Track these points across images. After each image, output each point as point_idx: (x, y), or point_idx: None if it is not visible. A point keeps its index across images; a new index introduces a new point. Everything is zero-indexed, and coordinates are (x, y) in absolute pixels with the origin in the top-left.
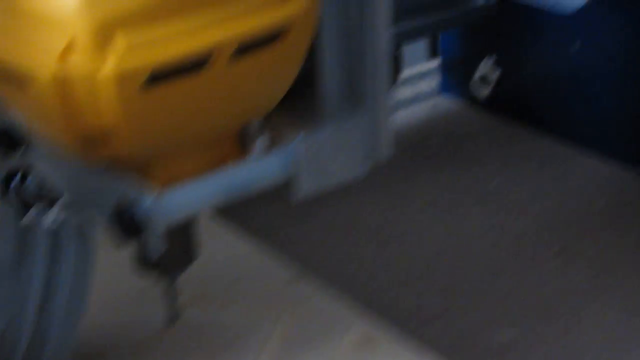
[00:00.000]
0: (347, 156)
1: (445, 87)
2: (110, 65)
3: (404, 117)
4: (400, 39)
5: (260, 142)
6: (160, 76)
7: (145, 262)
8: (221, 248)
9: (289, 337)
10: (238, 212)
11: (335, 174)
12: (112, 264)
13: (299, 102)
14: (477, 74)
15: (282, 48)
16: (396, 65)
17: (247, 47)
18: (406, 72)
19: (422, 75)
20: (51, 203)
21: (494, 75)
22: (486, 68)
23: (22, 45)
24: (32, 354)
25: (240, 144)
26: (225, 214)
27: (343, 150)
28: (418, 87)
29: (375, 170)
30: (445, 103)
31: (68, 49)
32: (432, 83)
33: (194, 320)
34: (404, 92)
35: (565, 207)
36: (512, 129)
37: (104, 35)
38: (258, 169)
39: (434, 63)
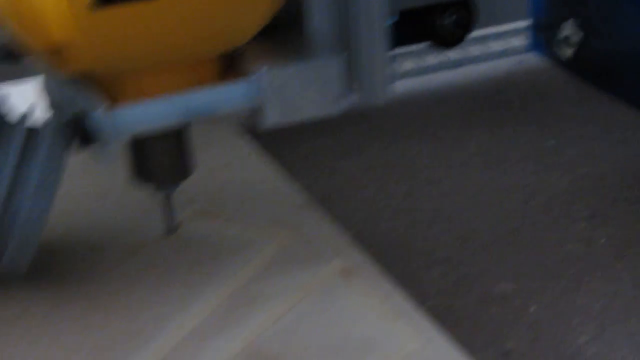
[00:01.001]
0: (317, 92)
1: (534, 45)
2: None
3: (488, 69)
4: None
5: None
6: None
7: (136, 173)
8: (244, 169)
9: (277, 256)
10: (275, 138)
11: (303, 108)
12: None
13: (289, 37)
14: (560, 35)
15: None
16: (467, 11)
17: None
18: (498, 28)
19: (513, 32)
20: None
21: (577, 37)
22: (569, 30)
23: None
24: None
25: (222, 70)
26: (262, 139)
27: (313, 86)
28: (508, 43)
29: (437, 115)
30: (532, 61)
31: None
32: (521, 41)
33: (195, 231)
34: (493, 46)
35: (614, 173)
36: (589, 92)
37: None
38: (220, 94)
39: (526, 22)
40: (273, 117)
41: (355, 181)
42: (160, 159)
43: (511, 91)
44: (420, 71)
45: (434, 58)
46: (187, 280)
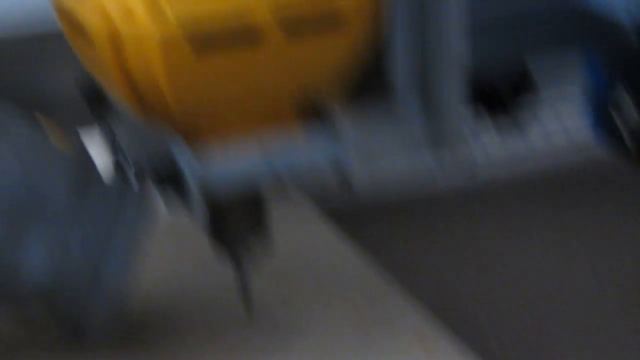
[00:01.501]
0: (401, 148)
1: (598, 138)
2: (157, 30)
3: (554, 161)
4: (524, 50)
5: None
6: (204, 45)
7: (212, 234)
8: (322, 247)
9: (357, 329)
10: (352, 218)
11: (387, 164)
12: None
13: (372, 95)
14: (625, 125)
15: (336, 33)
16: (524, 82)
17: (296, 27)
18: (563, 123)
19: (578, 128)
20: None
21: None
22: (633, 120)
23: (91, 6)
24: (81, 300)
25: (299, 115)
26: (338, 219)
27: (397, 142)
28: (573, 137)
29: (508, 204)
30: (596, 153)
31: (125, 13)
32: (586, 134)
33: (276, 312)
34: (559, 141)
35: None
36: None
37: (154, 3)
38: (305, 150)
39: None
40: (357, 172)
41: (431, 262)
42: (239, 225)
43: (576, 182)
44: (484, 161)
45: (497, 148)
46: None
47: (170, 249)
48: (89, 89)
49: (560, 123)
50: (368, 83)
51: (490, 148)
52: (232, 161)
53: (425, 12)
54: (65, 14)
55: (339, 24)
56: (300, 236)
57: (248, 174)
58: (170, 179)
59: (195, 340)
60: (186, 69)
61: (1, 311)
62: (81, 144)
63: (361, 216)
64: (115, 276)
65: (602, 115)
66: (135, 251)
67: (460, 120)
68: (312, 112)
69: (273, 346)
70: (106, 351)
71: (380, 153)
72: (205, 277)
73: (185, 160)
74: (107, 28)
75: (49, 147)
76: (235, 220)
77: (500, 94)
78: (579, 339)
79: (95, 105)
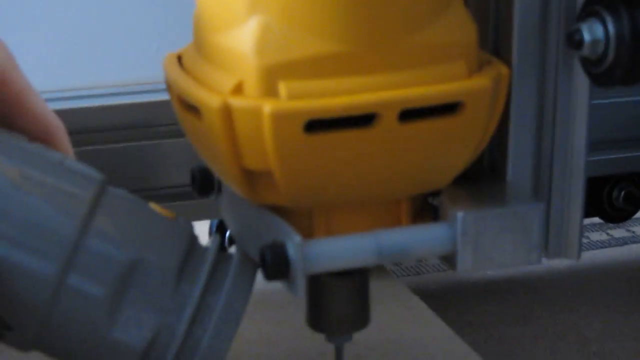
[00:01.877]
0: (514, 242)
1: None
2: (271, 106)
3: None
4: None
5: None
6: (320, 125)
7: (311, 318)
8: (413, 327)
9: None
10: (443, 300)
11: (498, 257)
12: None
13: (484, 184)
14: None
15: (456, 121)
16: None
17: (415, 113)
18: None
19: None
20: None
21: None
22: None
23: (200, 81)
24: None
25: (415, 213)
26: (429, 301)
27: (510, 235)
28: None
29: (604, 290)
30: None
31: (236, 88)
32: None
33: None
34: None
35: None
36: None
37: (269, 79)
38: (415, 235)
39: None
40: (466, 264)
41: (524, 348)
42: (339, 305)
43: None
44: (585, 247)
45: (597, 235)
46: None
47: (262, 315)
48: (200, 174)
49: None
50: (479, 170)
51: (591, 234)
52: (336, 238)
53: (548, 110)
54: (175, 90)
55: (458, 111)
56: (395, 314)
57: (352, 251)
58: (275, 258)
59: None
60: (296, 147)
61: None
62: (187, 221)
63: (460, 300)
64: (211, 345)
65: None
66: (233, 322)
67: (579, 231)
68: (428, 212)
69: None
70: None
71: (493, 249)
72: (298, 344)
73: (288, 233)
74: (218, 101)
75: (154, 214)
76: (335, 299)
77: (617, 206)
78: None
79: (204, 190)
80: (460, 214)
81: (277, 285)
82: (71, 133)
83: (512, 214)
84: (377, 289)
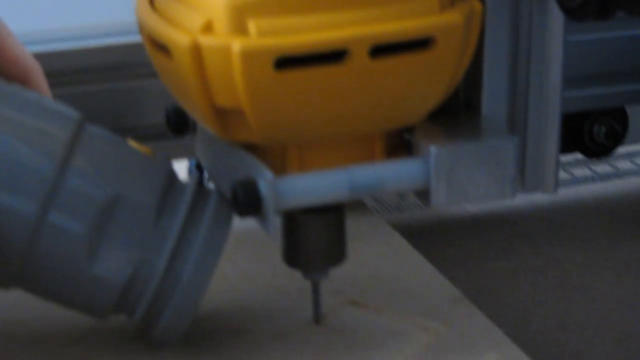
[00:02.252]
0: (488, 176)
1: None
2: (240, 44)
3: (637, 182)
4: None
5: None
6: (290, 62)
7: (286, 255)
8: (394, 262)
9: (430, 348)
10: (423, 237)
11: (472, 191)
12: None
13: (458, 119)
14: None
15: (428, 57)
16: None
17: (386, 49)
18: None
19: None
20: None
21: None
22: None
23: (170, 20)
24: (157, 303)
25: (389, 149)
26: (410, 237)
27: (484, 169)
28: None
29: (585, 225)
30: None
31: (206, 27)
32: None
33: (345, 320)
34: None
35: None
36: None
37: (238, 17)
38: (388, 170)
39: None
40: (440, 198)
41: (505, 283)
42: (314, 241)
43: None
44: (568, 182)
45: (580, 171)
46: None
47: (241, 254)
48: (174, 114)
49: None
50: (454, 106)
51: (574, 170)
52: (308, 174)
53: (522, 45)
54: (146, 30)
55: (430, 47)
56: (375, 250)
57: (324, 186)
58: (246, 194)
59: (260, 340)
60: (266, 85)
61: (72, 306)
62: (166, 157)
63: (441, 235)
64: (192, 279)
65: None
66: (214, 255)
67: (556, 165)
68: (402, 147)
69: (338, 348)
70: (169, 351)
71: (466, 183)
72: (277, 281)
73: (259, 170)
74: (187, 41)
75: (132, 151)
76: (310, 235)
77: (598, 141)
78: None
79: (179, 130)
80: (433, 149)
81: (249, 224)
82: (47, 75)
83: (486, 148)
84: (357, 225)
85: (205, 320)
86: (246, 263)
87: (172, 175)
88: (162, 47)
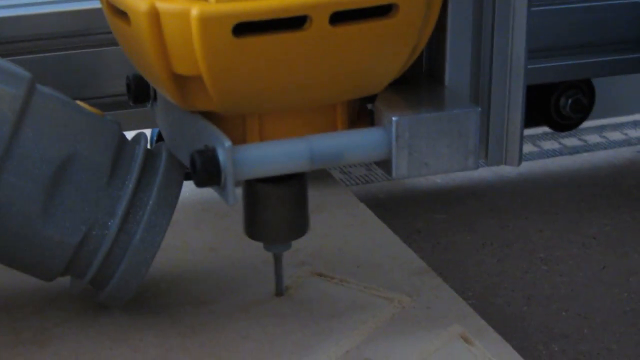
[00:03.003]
0: (450, 146)
1: None
2: (198, 9)
3: (606, 156)
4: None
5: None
6: (249, 28)
7: (247, 228)
8: (360, 234)
9: (394, 319)
10: (390, 210)
11: (434, 162)
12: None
13: (420, 89)
14: None
15: (389, 25)
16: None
17: (347, 16)
18: (618, 119)
19: (632, 124)
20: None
21: None
22: None
23: None
24: (109, 263)
25: (350, 119)
26: (376, 209)
27: (446, 139)
28: (628, 134)
29: (554, 199)
30: None
31: None
32: None
33: (309, 291)
34: (612, 136)
35: None
36: None
37: None
38: (348, 139)
39: None
40: (401, 170)
41: (472, 256)
42: (275, 212)
43: (630, 179)
44: (536, 155)
45: (550, 144)
46: (299, 338)
47: (206, 223)
48: (134, 82)
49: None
50: (417, 76)
51: (543, 143)
52: (267, 144)
53: (486, 14)
54: None
55: (391, 13)
56: (341, 222)
57: (283, 156)
58: (204, 163)
59: (224, 311)
60: (225, 51)
61: (24, 267)
62: (115, 119)
63: (408, 208)
64: (144, 238)
65: None
66: (165, 215)
67: (520, 137)
68: (366, 117)
69: (302, 320)
70: (130, 319)
71: (428, 154)
72: (242, 252)
73: (218, 139)
74: (145, 6)
75: (83, 111)
76: (271, 202)
77: (564, 114)
78: (627, 337)
79: (139, 98)
80: (394, 118)
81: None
82: (7, 42)
83: (448, 118)
84: (324, 196)
85: (168, 290)
86: (211, 232)
87: (122, 137)
88: (121, 13)
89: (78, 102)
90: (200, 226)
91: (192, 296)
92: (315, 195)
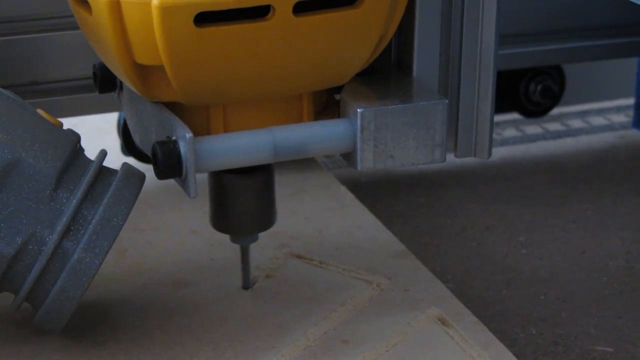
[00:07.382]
0: (417, 139)
1: (637, 123)
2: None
3: (589, 141)
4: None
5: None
6: (211, 17)
7: (213, 219)
8: (340, 216)
9: (373, 301)
10: (370, 193)
11: (400, 155)
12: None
13: (388, 81)
14: None
15: (355, 15)
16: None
17: (311, 5)
18: (600, 104)
19: (615, 109)
20: None
21: None
22: None
23: None
24: (44, 282)
25: (316, 110)
26: (357, 192)
27: (413, 131)
28: (610, 119)
29: (535, 183)
30: (633, 135)
31: None
32: (624, 117)
33: (288, 273)
34: (594, 121)
35: None
36: None
37: None
38: (313, 131)
39: (630, 100)
40: (367, 162)
41: (452, 239)
42: (241, 204)
43: (612, 163)
44: (518, 140)
45: (532, 128)
46: (278, 320)
47: (187, 205)
48: (101, 71)
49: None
50: (385, 66)
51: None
52: (229, 135)
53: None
54: None
55: (356, 3)
56: (322, 205)
57: (246, 147)
58: (165, 154)
59: (203, 292)
60: (186, 41)
61: None
62: (74, 132)
63: (390, 191)
64: (82, 258)
65: None
66: (108, 236)
67: (490, 129)
68: (334, 109)
69: (281, 301)
70: (106, 303)
71: (394, 146)
72: (222, 235)
73: (180, 130)
74: None
75: (38, 118)
76: (236, 193)
77: (534, 100)
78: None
79: (105, 87)
80: (359, 110)
81: (203, 176)
82: None
83: (414, 109)
84: (305, 180)
85: (148, 272)
86: (192, 214)
87: (78, 149)
88: (83, 2)
89: (38, 110)
90: (181, 207)
91: (172, 278)
92: (296, 178)
